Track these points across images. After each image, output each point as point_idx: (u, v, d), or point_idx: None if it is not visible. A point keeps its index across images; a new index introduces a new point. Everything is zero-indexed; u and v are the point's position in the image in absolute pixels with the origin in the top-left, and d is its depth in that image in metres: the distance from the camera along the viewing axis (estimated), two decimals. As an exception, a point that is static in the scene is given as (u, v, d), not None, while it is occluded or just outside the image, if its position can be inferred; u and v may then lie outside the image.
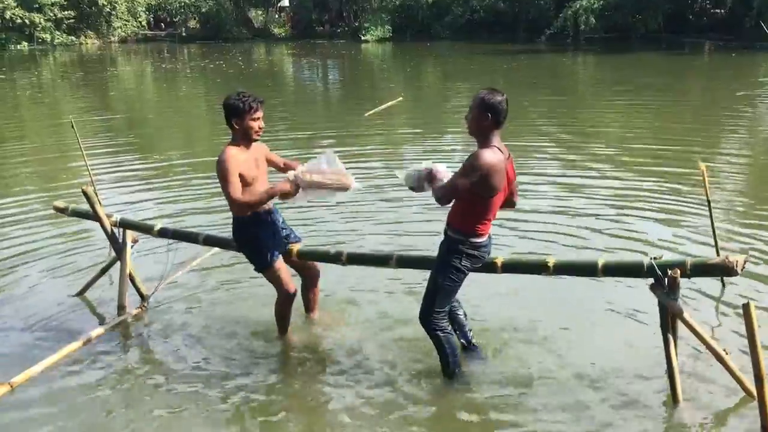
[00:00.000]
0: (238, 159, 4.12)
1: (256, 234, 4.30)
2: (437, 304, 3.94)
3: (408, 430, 3.70)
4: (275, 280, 4.43)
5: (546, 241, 6.34)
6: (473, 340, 4.33)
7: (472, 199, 3.76)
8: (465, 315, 4.34)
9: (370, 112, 13.94)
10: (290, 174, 4.08)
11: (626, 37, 31.67)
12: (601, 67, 24.54)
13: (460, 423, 3.79)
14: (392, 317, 4.89)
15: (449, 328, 4.04)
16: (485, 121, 3.70)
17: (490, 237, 3.93)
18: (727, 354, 3.74)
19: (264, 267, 4.39)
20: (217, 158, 4.15)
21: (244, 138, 4.18)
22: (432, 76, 23.59)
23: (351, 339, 4.62)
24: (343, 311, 5.02)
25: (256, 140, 4.22)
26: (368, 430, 3.69)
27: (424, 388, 4.04)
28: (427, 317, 3.97)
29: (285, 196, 4.12)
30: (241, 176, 4.10)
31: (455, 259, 3.84)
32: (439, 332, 3.97)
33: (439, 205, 3.90)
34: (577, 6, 31.67)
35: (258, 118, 4.14)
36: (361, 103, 16.30)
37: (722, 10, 33.22)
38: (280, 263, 4.40)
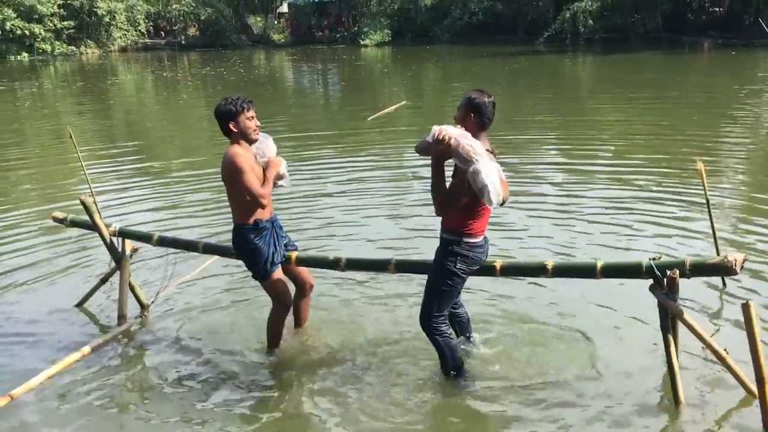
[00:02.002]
0: (246, 156, 4.16)
1: (256, 242, 4.28)
2: (435, 309, 3.92)
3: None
4: (273, 290, 4.40)
5: (545, 241, 6.29)
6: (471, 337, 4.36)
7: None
8: (467, 317, 4.33)
9: (374, 116, 13.92)
10: (266, 157, 4.34)
11: (625, 38, 31.67)
12: (601, 68, 24.52)
13: (461, 424, 3.78)
14: (386, 320, 4.91)
15: (449, 331, 4.02)
16: (469, 120, 3.71)
17: (486, 239, 3.91)
18: (727, 353, 3.73)
19: (263, 276, 4.37)
20: (223, 160, 4.18)
21: (243, 139, 4.22)
22: (433, 79, 23.60)
23: (344, 344, 4.60)
24: (336, 319, 4.98)
25: (255, 140, 4.25)
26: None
27: (422, 391, 4.03)
28: (427, 322, 3.96)
29: (278, 177, 4.35)
30: None
31: (450, 262, 3.83)
32: (438, 336, 3.96)
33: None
34: (575, 8, 31.68)
35: (253, 117, 4.21)
36: (362, 107, 16.30)
37: (721, 9, 33.22)
38: (279, 273, 4.37)
